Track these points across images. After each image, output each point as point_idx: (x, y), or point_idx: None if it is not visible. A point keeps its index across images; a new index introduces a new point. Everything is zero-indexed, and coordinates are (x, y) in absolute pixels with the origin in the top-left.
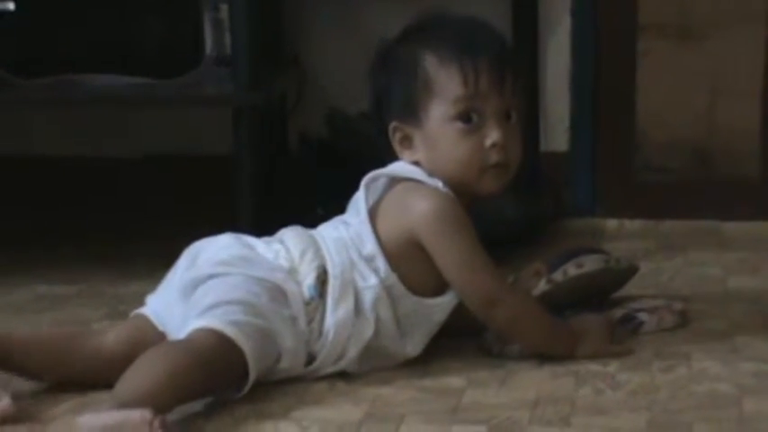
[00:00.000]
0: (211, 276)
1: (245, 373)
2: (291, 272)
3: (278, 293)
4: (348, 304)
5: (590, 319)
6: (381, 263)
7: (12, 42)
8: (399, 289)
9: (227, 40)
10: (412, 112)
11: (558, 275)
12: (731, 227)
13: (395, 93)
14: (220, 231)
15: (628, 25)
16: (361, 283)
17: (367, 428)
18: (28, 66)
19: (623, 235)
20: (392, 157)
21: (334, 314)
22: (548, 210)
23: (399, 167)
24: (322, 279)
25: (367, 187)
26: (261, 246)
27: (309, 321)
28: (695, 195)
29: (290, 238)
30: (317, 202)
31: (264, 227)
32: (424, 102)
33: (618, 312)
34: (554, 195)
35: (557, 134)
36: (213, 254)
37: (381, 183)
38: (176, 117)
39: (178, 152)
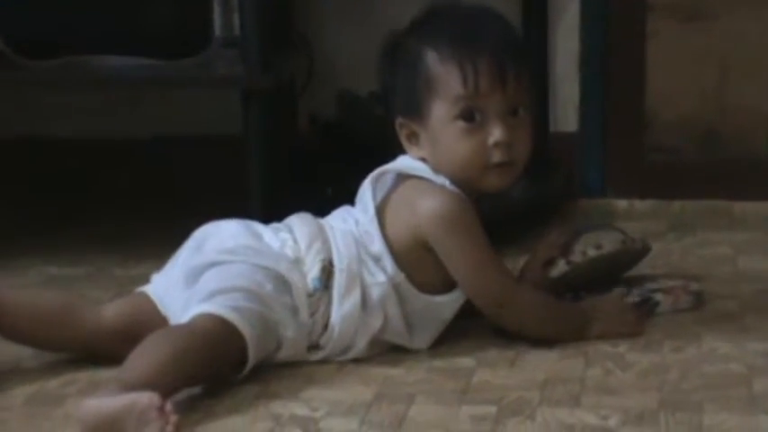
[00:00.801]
0: (215, 264)
1: (245, 359)
2: (297, 262)
3: (281, 283)
4: (355, 298)
5: (602, 299)
6: (389, 262)
7: (21, 24)
8: (407, 287)
9: (236, 21)
10: (415, 109)
11: (576, 257)
12: (741, 207)
13: (400, 89)
14: (230, 212)
15: (637, 5)
16: (369, 279)
17: (377, 409)
18: (37, 47)
19: (633, 215)
20: (400, 142)
21: (341, 308)
22: (557, 190)
23: (407, 163)
24: (327, 271)
25: (374, 183)
26: (268, 233)
27: (312, 313)
28: (705, 175)
29: (299, 226)
30: (326, 182)
31: (275, 208)
32: (426, 100)
33: (633, 293)
34: (564, 176)
35: (566, 114)
36: (219, 242)
37: (389, 179)
38: (185, 98)
39: (187, 133)
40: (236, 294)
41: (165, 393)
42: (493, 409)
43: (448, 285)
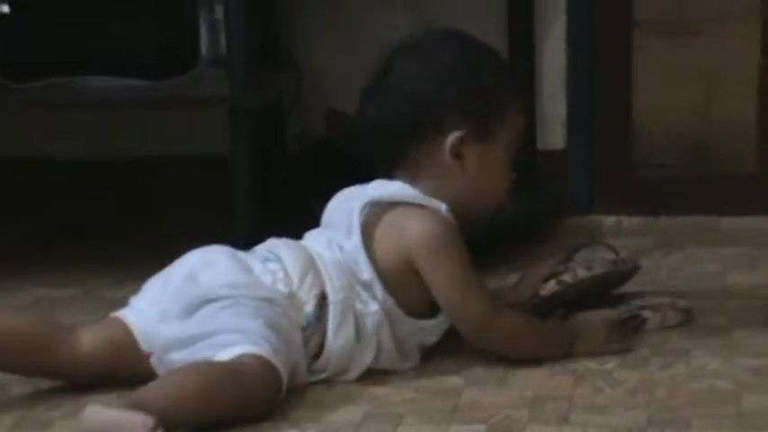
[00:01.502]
0: (219, 299)
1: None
2: (290, 297)
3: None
4: (349, 331)
5: (588, 317)
6: (379, 289)
7: (6, 45)
8: (397, 312)
9: (223, 40)
10: (482, 129)
11: (567, 277)
12: (729, 222)
13: (466, 108)
14: (218, 232)
15: (623, 21)
16: (361, 308)
17: (366, 429)
18: (23, 68)
19: (621, 232)
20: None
21: (336, 341)
22: (545, 208)
23: (398, 191)
24: (321, 305)
25: (363, 211)
26: (258, 266)
27: (305, 344)
28: (693, 191)
29: (288, 256)
30: (315, 202)
31: (262, 228)
32: (495, 123)
33: (621, 310)
34: (551, 193)
35: (554, 132)
36: (216, 275)
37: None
38: (173, 119)
39: (175, 154)
40: (267, 332)
41: (176, 423)
42: (481, 428)
43: (434, 310)
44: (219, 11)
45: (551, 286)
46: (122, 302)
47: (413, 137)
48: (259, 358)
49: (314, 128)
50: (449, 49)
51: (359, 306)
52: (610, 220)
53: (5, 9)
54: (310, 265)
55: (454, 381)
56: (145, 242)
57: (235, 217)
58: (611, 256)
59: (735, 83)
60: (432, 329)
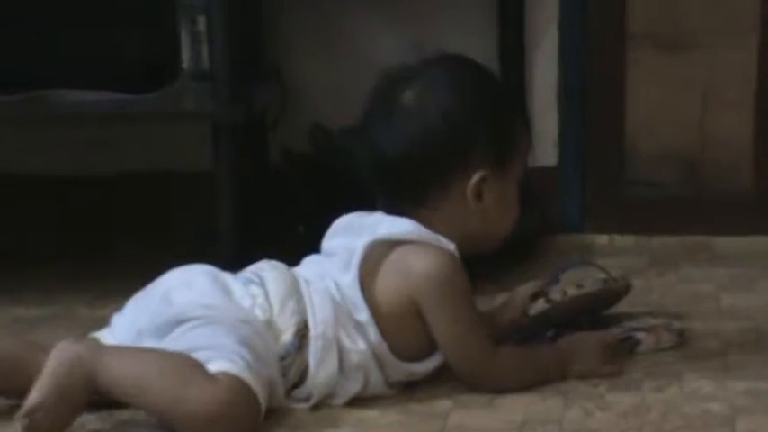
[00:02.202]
0: (193, 319)
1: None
2: (268, 324)
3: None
4: (331, 366)
5: (582, 337)
6: (373, 331)
7: None
8: (388, 356)
9: (206, 53)
10: (501, 162)
11: (556, 295)
12: (723, 242)
13: (491, 148)
14: (200, 250)
15: (616, 36)
16: (347, 344)
17: None
18: (0, 82)
19: (613, 251)
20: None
21: (317, 375)
22: (535, 226)
23: (410, 232)
24: (302, 333)
25: (367, 250)
26: (238, 288)
27: (284, 373)
28: (686, 210)
29: (272, 280)
30: (298, 219)
31: (245, 245)
32: (513, 154)
33: (615, 331)
34: (542, 211)
35: (545, 149)
36: (191, 296)
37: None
38: (154, 133)
39: (155, 169)
40: (242, 349)
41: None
42: None
43: (426, 352)
44: (202, 22)
45: (540, 305)
46: (101, 321)
47: (434, 174)
48: (234, 378)
49: (298, 143)
50: (466, 83)
51: (345, 341)
52: (602, 239)
53: None
54: (293, 292)
55: (442, 403)
56: (124, 260)
57: (218, 233)
58: (602, 275)
59: (730, 98)
60: (421, 372)
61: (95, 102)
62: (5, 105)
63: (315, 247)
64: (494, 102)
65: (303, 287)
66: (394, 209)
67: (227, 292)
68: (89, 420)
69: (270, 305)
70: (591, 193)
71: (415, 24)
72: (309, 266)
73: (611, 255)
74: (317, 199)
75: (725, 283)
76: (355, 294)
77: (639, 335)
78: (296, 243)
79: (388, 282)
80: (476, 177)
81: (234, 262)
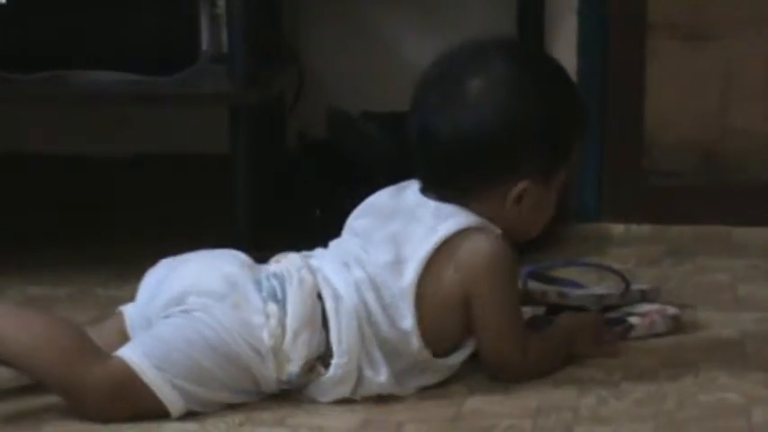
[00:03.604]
0: (187, 312)
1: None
2: (275, 350)
3: (244, 372)
4: (342, 392)
5: (578, 319)
6: (416, 340)
7: (4, 37)
8: (429, 359)
9: (224, 36)
10: (547, 176)
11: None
12: (741, 232)
13: (544, 161)
14: (216, 232)
15: (636, 25)
16: (369, 374)
17: None
18: (20, 61)
19: (630, 240)
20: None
21: (326, 395)
22: (553, 215)
23: (466, 223)
24: (311, 366)
25: (432, 254)
26: (256, 300)
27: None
28: (705, 200)
29: (294, 302)
30: (315, 203)
31: (261, 227)
32: (562, 168)
33: (609, 314)
34: (559, 200)
35: None
36: (196, 286)
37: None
38: (172, 115)
39: (173, 151)
40: (189, 366)
41: None
42: None
43: (456, 345)
44: (221, 5)
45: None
46: (117, 302)
47: (481, 172)
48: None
49: (315, 127)
50: (538, 87)
51: (367, 373)
52: (618, 228)
53: (3, 1)
54: (312, 321)
55: (457, 389)
56: (142, 240)
57: (234, 216)
58: (622, 287)
59: (750, 89)
60: (449, 368)
61: (114, 83)
62: (24, 85)
63: (331, 231)
64: (559, 114)
65: (330, 306)
66: (432, 191)
67: (243, 294)
68: None
69: (283, 331)
70: (608, 181)
71: (433, 10)
72: (335, 267)
73: (627, 244)
74: (333, 183)
75: (742, 274)
76: (404, 302)
77: (633, 319)
78: (312, 226)
79: (444, 274)
80: (521, 186)
81: (249, 245)
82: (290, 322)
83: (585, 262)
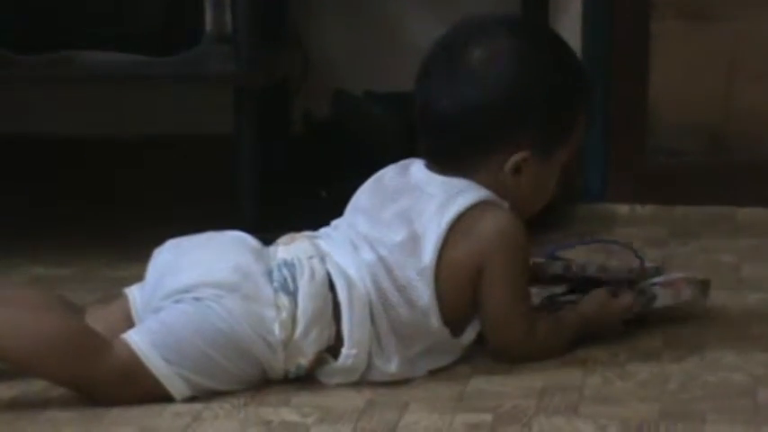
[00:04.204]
0: (197, 300)
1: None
2: (284, 344)
3: (253, 363)
4: (353, 376)
5: (599, 300)
6: (435, 318)
7: (7, 18)
8: (448, 343)
9: (229, 16)
10: (547, 150)
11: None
12: (746, 213)
13: (537, 126)
14: (222, 213)
15: (641, 4)
16: (378, 364)
17: (368, 417)
18: (23, 42)
19: (635, 221)
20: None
21: (332, 380)
22: (557, 195)
23: (479, 197)
24: (318, 359)
25: (448, 230)
26: (267, 289)
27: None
28: (709, 180)
29: (306, 295)
30: (320, 183)
31: (265, 209)
32: (564, 141)
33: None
34: (564, 180)
35: None
36: (207, 272)
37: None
38: (175, 96)
39: (177, 132)
40: (200, 359)
41: None
42: (488, 417)
43: (468, 322)
44: None
45: (558, 267)
46: (123, 282)
47: (478, 140)
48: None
49: (320, 108)
50: (540, 62)
51: (377, 362)
52: (623, 209)
53: None
54: (324, 314)
55: (461, 369)
56: (147, 221)
57: (239, 197)
58: (634, 265)
59: (756, 70)
60: (467, 344)
61: (118, 63)
62: (29, 66)
63: (336, 211)
64: (559, 84)
65: (343, 296)
66: (435, 165)
67: (253, 280)
68: None
69: (294, 324)
70: (613, 162)
71: None
72: (344, 238)
73: (632, 224)
74: (338, 164)
75: (747, 254)
76: (422, 281)
77: (656, 290)
78: (317, 207)
79: (458, 249)
80: (517, 156)
81: (254, 226)
82: (302, 316)
83: (609, 240)
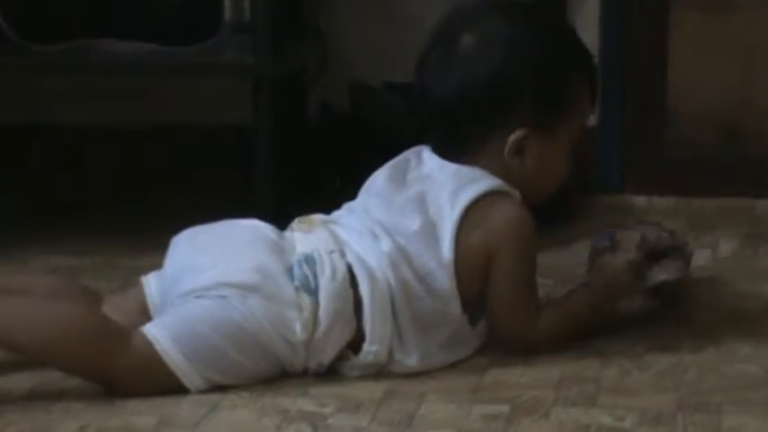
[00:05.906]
0: (219, 298)
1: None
2: (306, 343)
3: (273, 362)
4: (373, 370)
5: (608, 260)
6: (455, 306)
7: (25, 7)
8: (466, 332)
9: (247, 6)
10: (547, 125)
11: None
12: (764, 205)
13: (533, 100)
14: (239, 204)
15: None
16: (399, 357)
17: (387, 406)
18: (43, 31)
19: (652, 212)
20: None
21: (351, 371)
22: (574, 186)
23: (490, 186)
24: (340, 355)
25: (462, 217)
26: (288, 288)
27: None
28: (726, 172)
29: (327, 294)
30: (337, 174)
31: (283, 199)
32: (563, 116)
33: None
34: (581, 171)
35: None
36: (228, 271)
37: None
38: (193, 86)
39: (195, 122)
40: (223, 357)
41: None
42: (506, 408)
43: (481, 311)
44: None
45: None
46: (140, 271)
47: (473, 124)
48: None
49: (337, 99)
50: (526, 38)
51: (398, 356)
52: (640, 200)
53: None
54: (345, 316)
55: (478, 360)
56: (165, 210)
57: (256, 187)
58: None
59: None
60: (479, 334)
61: (136, 53)
62: (46, 55)
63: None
64: (550, 62)
65: (365, 291)
66: (439, 151)
67: (273, 279)
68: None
69: (315, 323)
70: (631, 153)
71: None
72: (361, 225)
73: (649, 216)
74: (355, 153)
75: (765, 246)
76: (441, 270)
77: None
78: (334, 196)
79: (471, 239)
80: (515, 135)
81: (272, 217)
82: (323, 316)
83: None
